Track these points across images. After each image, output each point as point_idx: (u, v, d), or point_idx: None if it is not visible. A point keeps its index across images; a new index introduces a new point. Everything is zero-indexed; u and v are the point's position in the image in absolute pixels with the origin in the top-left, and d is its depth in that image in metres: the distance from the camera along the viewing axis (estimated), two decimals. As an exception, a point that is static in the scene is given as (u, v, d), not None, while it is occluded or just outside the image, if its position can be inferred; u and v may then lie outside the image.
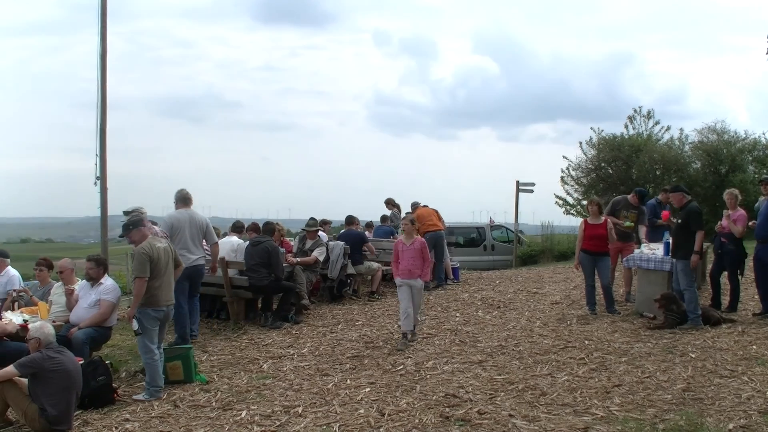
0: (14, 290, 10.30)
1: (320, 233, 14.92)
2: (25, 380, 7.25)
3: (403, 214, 17.21)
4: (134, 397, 8.25)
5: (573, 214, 33.03)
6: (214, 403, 7.77)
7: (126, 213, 10.06)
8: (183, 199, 11.02)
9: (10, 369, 7.13)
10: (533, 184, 25.32)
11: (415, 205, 17.31)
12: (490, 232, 25.39)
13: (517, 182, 25.10)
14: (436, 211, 16.83)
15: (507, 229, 26.82)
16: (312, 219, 14.52)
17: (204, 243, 11.16)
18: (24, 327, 8.62)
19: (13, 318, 8.90)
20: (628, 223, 12.91)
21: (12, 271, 11.02)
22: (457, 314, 12.78)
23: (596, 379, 8.05)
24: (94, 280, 9.37)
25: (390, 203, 19.23)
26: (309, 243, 13.90)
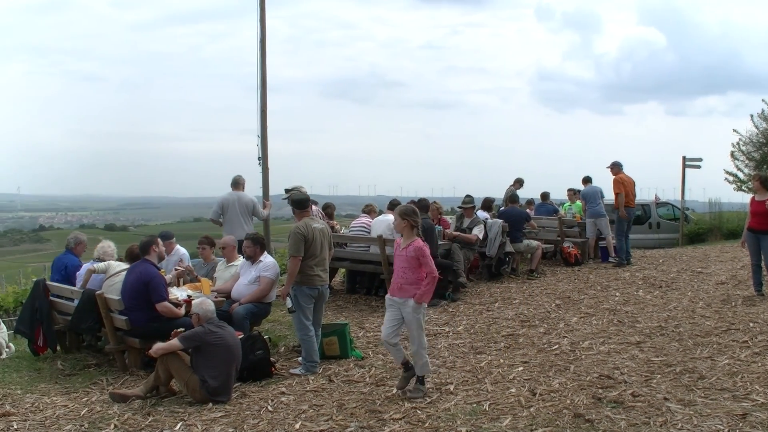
0: (177, 267, 10.80)
1: (479, 212, 14.93)
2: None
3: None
4: (291, 371, 8.56)
5: (744, 191, 31.49)
6: (367, 379, 7.99)
7: (287, 191, 10.39)
8: (234, 183, 12.85)
9: (174, 342, 7.56)
10: (701, 160, 24.35)
11: (617, 166, 16.19)
12: (656, 209, 24.61)
13: (684, 158, 24.21)
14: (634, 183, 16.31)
15: (673, 206, 25.91)
16: (468, 196, 14.49)
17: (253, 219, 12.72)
18: (188, 302, 9.08)
19: (178, 294, 9.35)
20: None
21: (181, 250, 11.66)
22: (617, 293, 12.54)
23: (759, 364, 7.74)
24: (252, 258, 9.74)
25: (586, 181, 18.14)
26: (467, 221, 13.93)
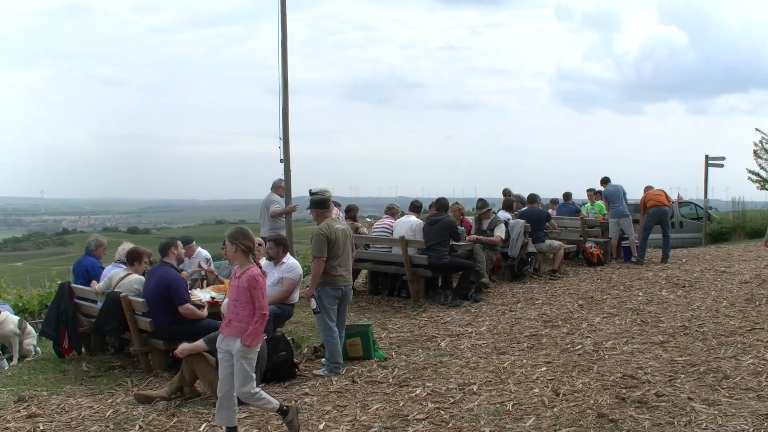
0: (194, 270, 10.86)
1: (500, 212, 14.90)
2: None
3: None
4: (314, 372, 8.60)
5: (767, 189, 31.22)
6: (390, 380, 8.00)
7: (312, 193, 10.43)
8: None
9: (199, 343, 7.61)
10: (723, 158, 24.21)
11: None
12: (678, 208, 24.46)
13: (707, 156, 24.07)
14: (664, 192, 16.84)
15: (696, 205, 25.77)
16: (480, 200, 14.38)
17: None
18: (211, 303, 9.13)
19: (201, 295, 9.41)
20: None
21: (203, 252, 11.76)
22: (640, 293, 12.48)
23: (785, 363, 7.70)
24: (274, 259, 9.77)
25: (604, 182, 18.09)
26: (485, 223, 13.89)
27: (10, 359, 10.41)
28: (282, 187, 13.03)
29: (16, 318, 10.73)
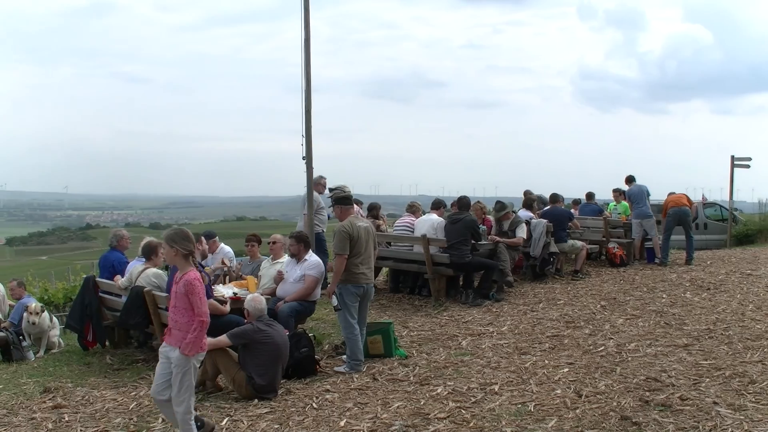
0: (217, 266, 10.90)
1: (521, 212, 14.82)
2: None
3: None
4: (335, 369, 8.59)
5: (794, 190, 30.87)
6: (411, 378, 7.96)
7: (331, 190, 10.43)
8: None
9: (223, 338, 7.62)
10: (750, 159, 23.92)
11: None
12: (703, 210, 24.23)
13: (732, 157, 23.81)
14: (686, 195, 16.88)
15: (721, 206, 25.50)
16: (498, 203, 14.22)
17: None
18: (234, 299, 9.15)
19: (224, 291, 9.44)
20: None
21: (226, 248, 11.80)
22: (664, 295, 12.37)
23: (812, 368, 7.59)
24: (296, 256, 9.77)
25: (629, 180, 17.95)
26: (506, 224, 13.78)
27: (36, 351, 10.52)
28: (321, 184, 13.03)
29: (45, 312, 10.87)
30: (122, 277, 10.00)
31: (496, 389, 7.31)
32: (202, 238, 9.78)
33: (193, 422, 5.96)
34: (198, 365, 6.02)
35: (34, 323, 10.43)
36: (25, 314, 10.53)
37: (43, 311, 10.61)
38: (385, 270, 14.61)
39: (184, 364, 5.77)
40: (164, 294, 8.92)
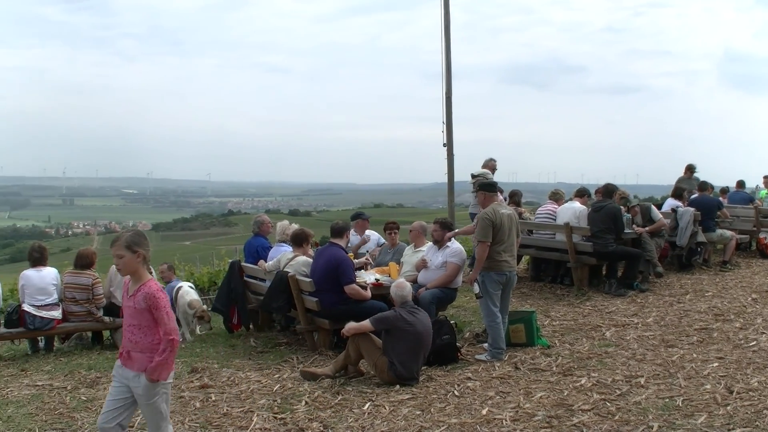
0: (367, 256, 11.07)
1: (669, 200, 14.40)
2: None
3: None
4: (476, 357, 8.57)
5: None
6: (554, 368, 7.86)
7: (474, 176, 10.40)
8: None
9: (366, 323, 7.72)
10: None
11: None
12: None
13: None
14: None
15: None
16: (623, 199, 13.73)
17: None
18: (375, 285, 9.25)
19: (366, 277, 9.56)
20: None
21: (375, 235, 12.01)
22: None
23: None
24: (438, 242, 9.78)
25: None
26: (637, 218, 13.31)
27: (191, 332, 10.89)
28: (490, 166, 12.97)
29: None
30: (265, 261, 10.28)
31: (642, 382, 7.13)
32: (363, 221, 10.10)
33: None
34: (168, 390, 5.09)
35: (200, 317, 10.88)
36: (186, 304, 10.96)
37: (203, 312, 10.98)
38: (525, 258, 14.48)
39: (152, 392, 4.95)
40: (308, 279, 9.12)
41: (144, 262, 5.02)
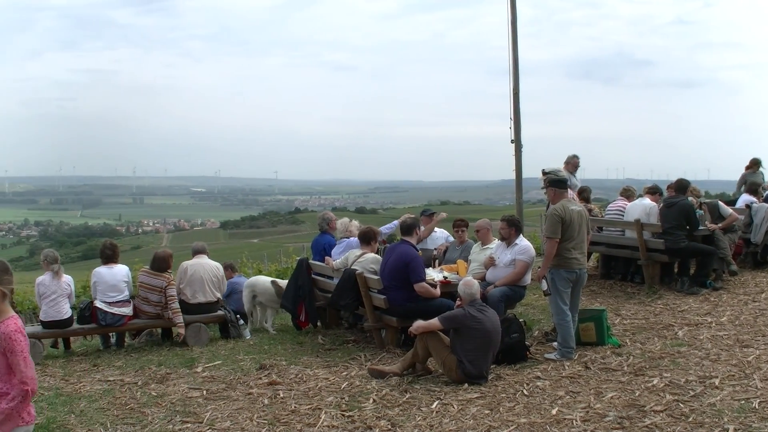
0: (435, 252, 11.06)
1: (743, 196, 14.08)
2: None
3: None
4: (546, 355, 8.48)
5: None
6: (625, 368, 7.73)
7: (545, 172, 10.27)
8: None
9: (434, 321, 7.68)
10: None
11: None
12: None
13: None
14: None
15: None
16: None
17: None
18: (444, 283, 9.21)
19: (435, 275, 9.53)
20: None
21: (444, 233, 12.00)
22: None
23: None
24: (506, 240, 9.69)
25: None
26: (707, 217, 13.00)
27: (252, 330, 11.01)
28: (571, 164, 12.83)
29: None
30: (332, 259, 10.33)
31: (717, 383, 6.96)
32: (433, 216, 10.19)
33: None
34: None
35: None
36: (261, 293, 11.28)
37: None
38: (595, 256, 14.27)
39: None
40: (376, 276, 9.13)
41: (3, 298, 4.26)
